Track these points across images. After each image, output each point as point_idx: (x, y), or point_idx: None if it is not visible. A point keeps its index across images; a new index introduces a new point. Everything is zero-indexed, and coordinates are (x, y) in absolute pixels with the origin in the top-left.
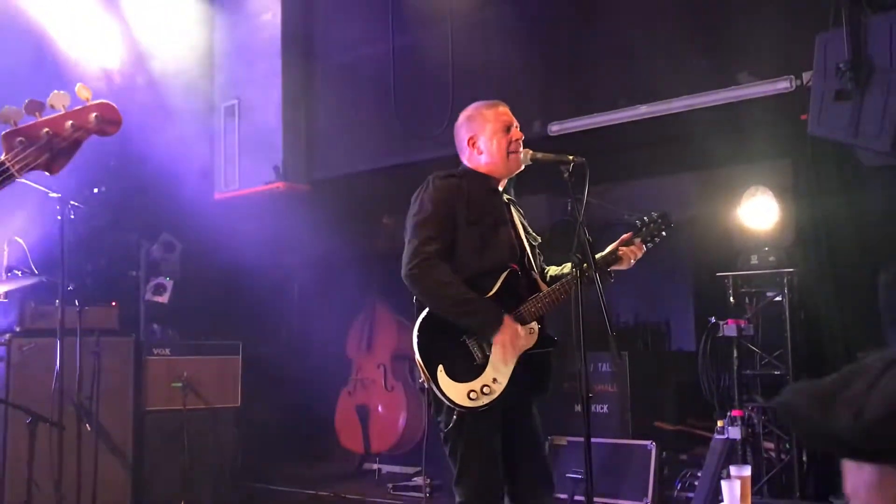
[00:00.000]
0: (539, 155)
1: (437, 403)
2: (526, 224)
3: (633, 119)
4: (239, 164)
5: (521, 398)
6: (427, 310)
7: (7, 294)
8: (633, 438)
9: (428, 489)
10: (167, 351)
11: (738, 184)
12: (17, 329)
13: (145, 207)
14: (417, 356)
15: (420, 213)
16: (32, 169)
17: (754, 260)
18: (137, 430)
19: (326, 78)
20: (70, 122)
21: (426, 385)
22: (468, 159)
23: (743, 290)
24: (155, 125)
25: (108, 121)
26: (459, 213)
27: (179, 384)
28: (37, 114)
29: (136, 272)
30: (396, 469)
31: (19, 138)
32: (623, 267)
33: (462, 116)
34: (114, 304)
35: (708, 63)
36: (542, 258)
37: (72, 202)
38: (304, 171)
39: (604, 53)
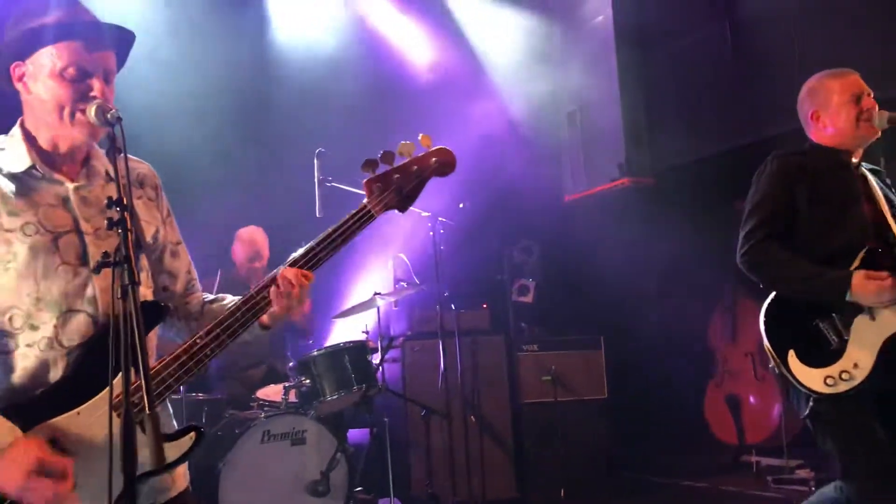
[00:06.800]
0: None
1: (793, 390)
2: (892, 195)
3: None
4: (584, 166)
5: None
6: (773, 294)
7: (398, 303)
8: None
9: (812, 483)
10: (535, 347)
11: None
12: (408, 333)
13: (504, 216)
14: (766, 341)
15: (755, 195)
16: (387, 209)
17: None
18: (516, 421)
19: (663, 67)
20: (415, 167)
21: (777, 371)
22: (813, 134)
23: None
24: (505, 140)
25: (446, 163)
26: (800, 193)
27: (549, 378)
28: (390, 162)
29: (502, 276)
30: (776, 461)
31: (377, 184)
32: None
33: (804, 89)
34: (485, 306)
35: None
36: None
37: (440, 218)
38: (648, 165)
39: None
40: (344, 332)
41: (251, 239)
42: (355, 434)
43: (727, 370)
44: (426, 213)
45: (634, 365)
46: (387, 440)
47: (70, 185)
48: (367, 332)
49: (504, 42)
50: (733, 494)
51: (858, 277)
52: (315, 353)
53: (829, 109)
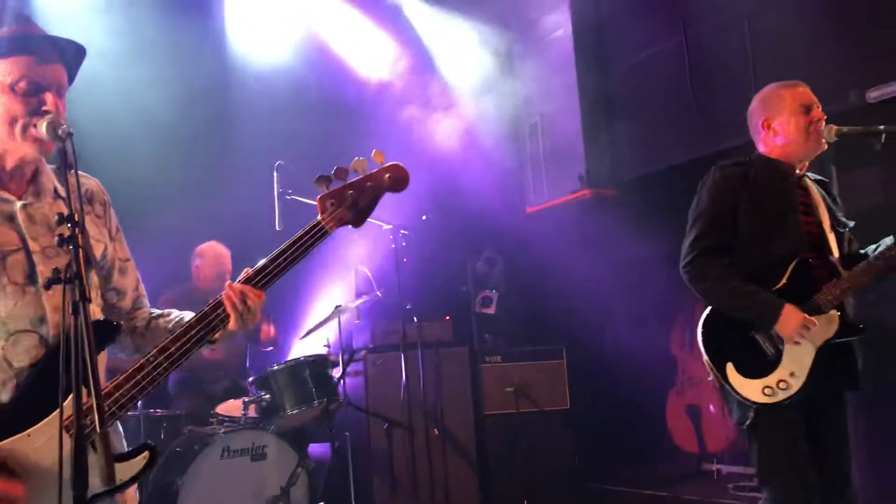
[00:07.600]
0: (845, 129)
1: (731, 401)
2: (835, 208)
3: None
4: (546, 177)
5: (825, 392)
6: (710, 307)
7: (360, 316)
8: None
9: None
10: (498, 358)
11: None
12: (370, 346)
13: (467, 228)
14: (704, 354)
15: (697, 206)
16: (341, 225)
17: None
18: (479, 432)
19: (622, 81)
20: (369, 184)
21: (717, 383)
22: (763, 143)
23: None
24: (468, 152)
25: (399, 179)
26: (741, 203)
27: (512, 389)
28: (343, 178)
29: (465, 287)
30: (737, 469)
31: (331, 200)
32: None
33: (756, 99)
34: (447, 318)
35: None
36: (855, 245)
37: (402, 230)
38: (608, 176)
39: None
40: (305, 345)
41: (217, 254)
42: (316, 449)
43: (687, 378)
44: (388, 226)
45: (597, 375)
46: (348, 454)
47: (17, 203)
48: (328, 346)
49: (465, 55)
50: (694, 503)
51: (790, 309)
52: (275, 367)
53: (781, 118)
